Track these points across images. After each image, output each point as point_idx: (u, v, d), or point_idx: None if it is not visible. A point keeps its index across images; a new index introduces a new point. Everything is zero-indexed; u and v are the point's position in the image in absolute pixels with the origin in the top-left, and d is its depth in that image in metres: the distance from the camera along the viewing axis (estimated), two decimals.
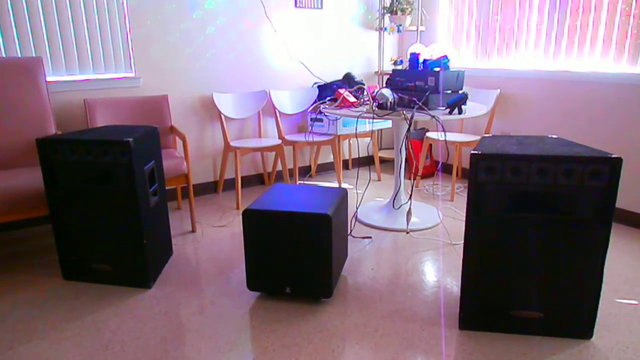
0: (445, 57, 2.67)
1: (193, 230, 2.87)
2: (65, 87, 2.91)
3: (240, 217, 3.11)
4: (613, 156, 1.54)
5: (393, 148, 4.56)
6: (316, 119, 3.67)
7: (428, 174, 4.04)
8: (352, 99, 2.83)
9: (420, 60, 2.79)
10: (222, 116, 3.43)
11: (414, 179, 3.91)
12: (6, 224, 2.94)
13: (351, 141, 4.28)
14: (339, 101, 2.82)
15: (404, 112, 2.49)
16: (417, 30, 4.00)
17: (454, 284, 2.17)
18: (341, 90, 2.85)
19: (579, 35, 2.98)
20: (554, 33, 3.12)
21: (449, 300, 2.03)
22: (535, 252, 1.68)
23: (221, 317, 1.93)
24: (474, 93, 3.61)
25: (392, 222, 2.87)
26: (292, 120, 3.89)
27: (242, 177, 3.76)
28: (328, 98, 3.02)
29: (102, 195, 2.08)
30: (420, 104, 2.56)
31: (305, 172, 4.10)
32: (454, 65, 3.84)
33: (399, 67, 4.13)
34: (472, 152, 1.64)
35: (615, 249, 2.52)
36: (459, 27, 3.80)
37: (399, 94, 2.70)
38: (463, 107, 2.57)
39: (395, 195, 3.00)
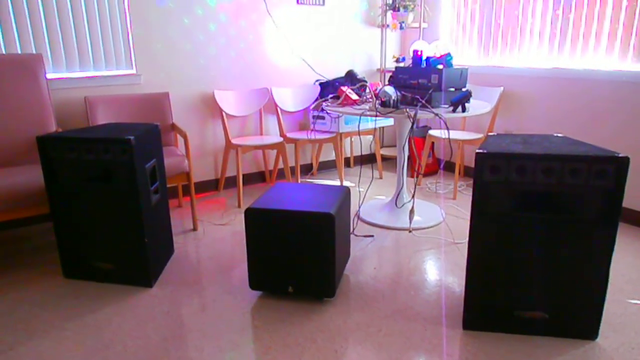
0: (449, 54, 2.65)
1: (194, 229, 2.86)
2: (66, 84, 2.89)
3: (242, 215, 3.10)
4: (620, 155, 1.52)
5: (395, 146, 4.54)
6: (318, 117, 3.65)
7: (430, 172, 4.02)
8: (354, 96, 2.81)
9: (424, 57, 2.76)
10: (224, 113, 3.41)
11: (417, 177, 3.89)
12: (6, 222, 2.92)
13: (353, 139, 4.26)
14: (341, 99, 2.80)
15: (407, 110, 2.47)
16: (419, 27, 3.97)
17: (457, 284, 2.16)
18: (343, 88, 2.82)
19: (584, 32, 2.95)
20: (558, 30, 3.09)
21: (452, 300, 2.02)
22: (540, 252, 1.66)
23: (223, 316, 1.92)
24: (476, 90, 3.58)
25: (395, 221, 2.86)
26: (294, 118, 3.87)
27: (243, 175, 3.74)
28: (330, 95, 3.00)
29: (103, 194, 2.06)
30: (423, 101, 2.54)
31: (306, 170, 4.08)
32: (457, 62, 3.82)
33: (401, 65, 4.10)
34: (477, 151, 1.63)
35: (619, 249, 2.50)
36: (461, 23, 3.78)
37: (402, 92, 2.68)
38: (466, 105, 2.55)
39: (398, 194, 2.98)
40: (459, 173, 3.76)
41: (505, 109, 3.53)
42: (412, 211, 2.75)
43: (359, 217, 2.98)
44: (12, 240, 2.74)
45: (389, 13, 4.00)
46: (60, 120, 2.91)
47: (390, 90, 2.54)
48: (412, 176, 3.97)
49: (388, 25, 4.06)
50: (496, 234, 1.68)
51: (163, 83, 3.24)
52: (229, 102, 3.48)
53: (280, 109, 3.67)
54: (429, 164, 3.97)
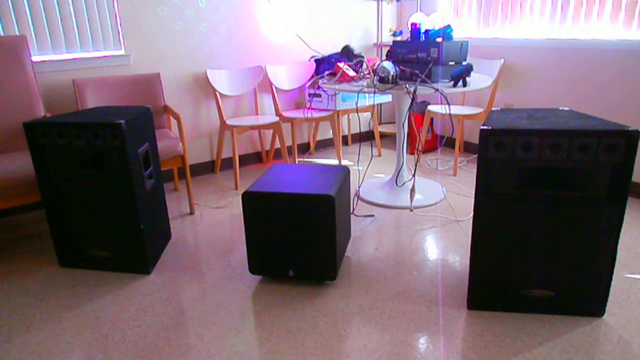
0: (449, 26, 2.56)
1: (191, 213, 2.81)
2: (53, 67, 2.79)
3: (239, 197, 3.04)
4: (630, 129, 1.46)
5: (393, 122, 4.47)
6: (314, 94, 3.56)
7: (429, 148, 3.96)
8: (351, 72, 2.72)
9: (422, 30, 2.67)
10: (217, 93, 3.32)
11: (417, 154, 3.83)
12: None
13: (350, 116, 4.18)
14: (338, 75, 2.72)
15: (407, 85, 2.39)
16: None
17: (460, 263, 2.13)
18: (340, 64, 2.74)
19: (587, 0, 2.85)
20: None
21: (455, 280, 1.99)
22: (546, 230, 1.62)
23: (223, 302, 1.88)
24: (476, 63, 3.49)
25: (395, 200, 2.81)
26: (290, 96, 3.78)
27: (239, 156, 3.67)
28: (326, 72, 2.91)
29: (95, 180, 2.00)
30: (423, 76, 2.46)
31: (304, 149, 4.01)
32: (456, 35, 3.71)
33: (399, 39, 3.99)
34: (482, 127, 1.57)
35: (625, 223, 2.46)
36: None
37: (401, 67, 2.59)
38: (467, 79, 2.47)
39: (398, 172, 2.93)
40: (459, 149, 3.70)
41: (505, 82, 3.45)
42: (413, 190, 2.70)
43: (359, 197, 2.93)
44: (4, 229, 2.68)
45: None
46: (48, 104, 2.82)
47: (388, 65, 2.45)
48: (411, 153, 3.90)
49: None
50: (501, 213, 1.63)
51: (154, 63, 3.13)
52: (222, 81, 3.38)
53: (275, 87, 3.57)
54: (428, 140, 3.91)
